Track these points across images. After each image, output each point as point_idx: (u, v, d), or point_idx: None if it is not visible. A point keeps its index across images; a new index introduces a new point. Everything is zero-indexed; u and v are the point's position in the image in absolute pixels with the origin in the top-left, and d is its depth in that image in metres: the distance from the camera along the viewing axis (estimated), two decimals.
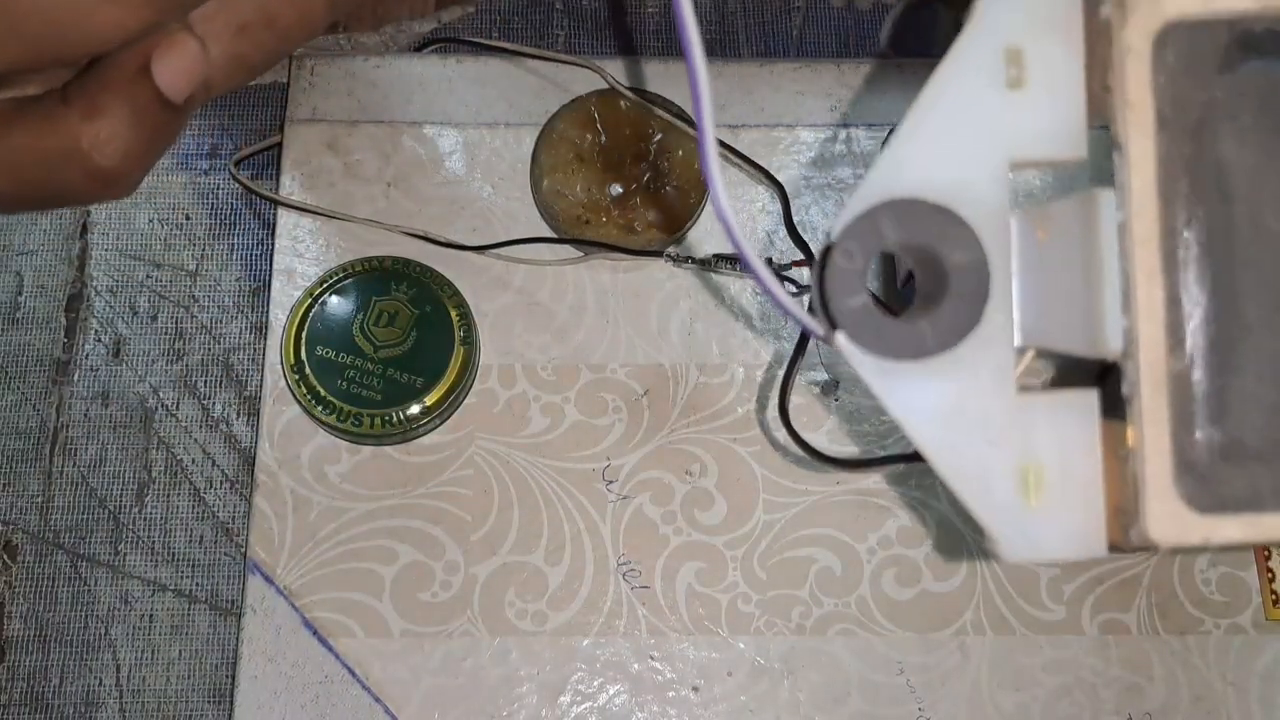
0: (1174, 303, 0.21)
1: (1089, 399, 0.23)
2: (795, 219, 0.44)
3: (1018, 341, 0.23)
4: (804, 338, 0.40)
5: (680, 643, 0.40)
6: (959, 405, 0.22)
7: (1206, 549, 0.22)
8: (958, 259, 0.22)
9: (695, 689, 0.39)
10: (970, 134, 0.22)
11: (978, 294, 0.22)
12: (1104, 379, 0.23)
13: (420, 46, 0.47)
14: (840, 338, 0.22)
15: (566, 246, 0.43)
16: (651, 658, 0.40)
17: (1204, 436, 0.21)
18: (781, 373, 0.42)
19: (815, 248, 0.44)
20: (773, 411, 0.42)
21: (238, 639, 0.39)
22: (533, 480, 0.41)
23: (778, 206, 0.44)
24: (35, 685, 0.40)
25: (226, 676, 0.40)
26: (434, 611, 0.40)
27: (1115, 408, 0.22)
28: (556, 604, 0.40)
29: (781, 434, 0.42)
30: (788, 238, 0.44)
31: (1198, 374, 0.21)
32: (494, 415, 0.42)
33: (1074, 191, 0.23)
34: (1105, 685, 0.40)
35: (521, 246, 0.43)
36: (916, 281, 0.25)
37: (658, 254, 0.42)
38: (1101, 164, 0.22)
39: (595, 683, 0.39)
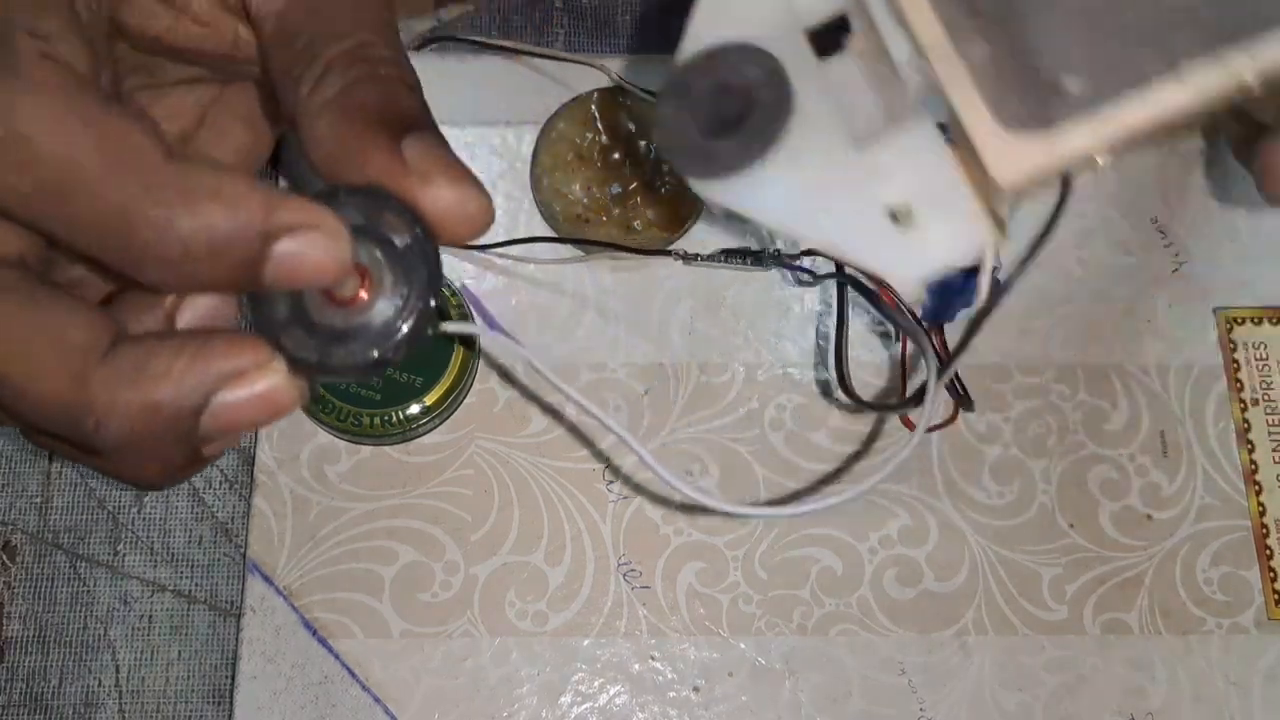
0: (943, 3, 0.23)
1: (922, 124, 0.24)
2: None
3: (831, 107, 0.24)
4: (842, 294, 0.40)
5: (681, 643, 0.40)
6: (810, 185, 0.24)
7: (1067, 166, 0.23)
8: (755, 72, 0.24)
9: (696, 689, 0.39)
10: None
11: (782, 97, 0.24)
12: None
13: (419, 45, 0.47)
14: (695, 183, 0.24)
15: (567, 246, 0.43)
16: (652, 658, 0.40)
17: (1012, 75, 0.23)
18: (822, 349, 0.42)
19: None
20: (786, 397, 0.42)
21: (237, 639, 0.39)
22: (533, 480, 0.41)
23: None
24: (34, 686, 0.40)
25: (226, 677, 0.40)
26: (434, 612, 0.40)
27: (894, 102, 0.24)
28: (557, 604, 0.40)
29: (782, 434, 0.42)
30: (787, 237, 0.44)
31: (984, 40, 0.23)
32: (494, 415, 0.42)
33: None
34: (1107, 685, 0.39)
35: (524, 246, 0.43)
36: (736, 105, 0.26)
37: (666, 253, 0.42)
38: None
39: (596, 683, 0.39)
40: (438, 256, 0.23)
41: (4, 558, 0.41)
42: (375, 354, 0.22)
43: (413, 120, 0.23)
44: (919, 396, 0.35)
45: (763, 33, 0.25)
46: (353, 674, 0.39)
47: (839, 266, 0.40)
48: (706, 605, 0.40)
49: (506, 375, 0.42)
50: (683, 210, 0.43)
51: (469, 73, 0.45)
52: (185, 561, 0.41)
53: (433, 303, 0.23)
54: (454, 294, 0.42)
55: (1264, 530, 0.41)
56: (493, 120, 0.45)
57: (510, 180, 0.44)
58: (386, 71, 0.24)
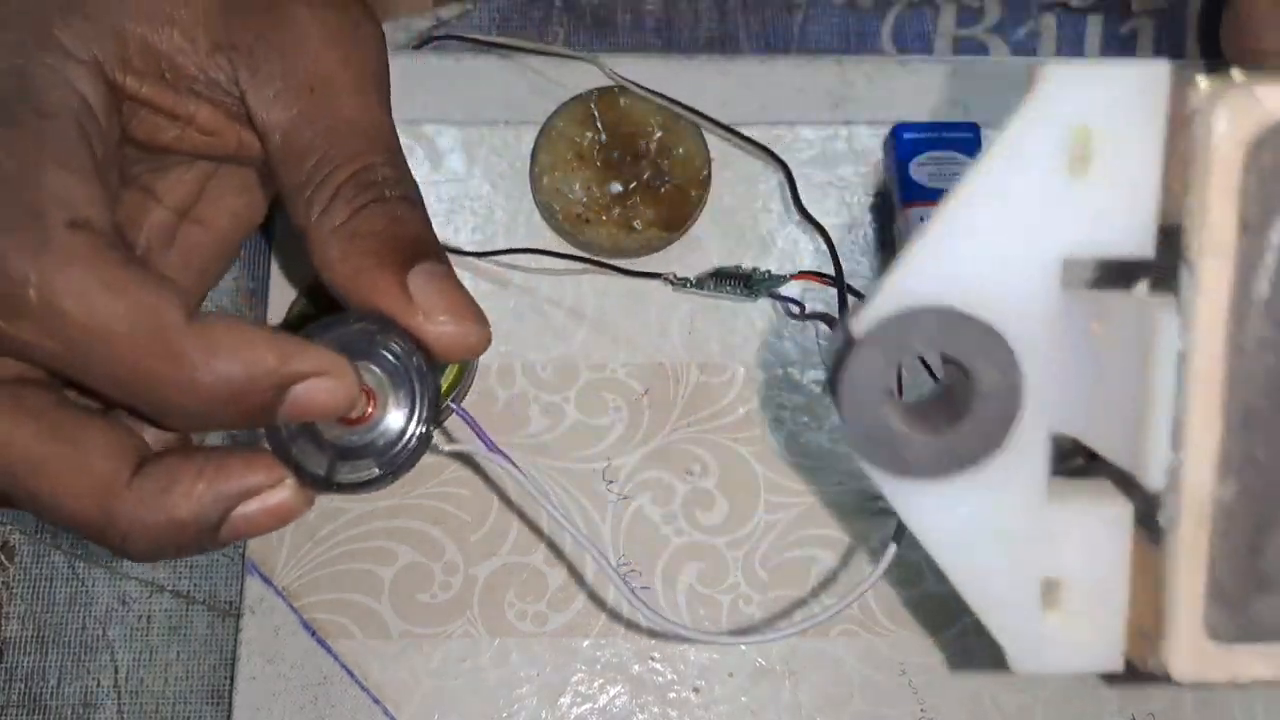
0: (1231, 436, 0.19)
1: (1123, 512, 0.21)
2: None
3: (1054, 428, 0.21)
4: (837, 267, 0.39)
5: (681, 644, 0.40)
6: (981, 522, 0.21)
7: (1233, 685, 0.21)
8: (990, 379, 0.20)
9: (696, 690, 0.39)
10: (1020, 226, 0.20)
11: (1006, 415, 0.20)
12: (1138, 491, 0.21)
13: (419, 44, 0.47)
14: (877, 473, 0.21)
15: (566, 248, 0.43)
16: (652, 659, 0.39)
17: (1242, 570, 0.20)
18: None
19: (828, 227, 0.42)
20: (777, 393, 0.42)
21: (236, 640, 0.39)
22: (533, 480, 0.41)
23: (777, 205, 0.44)
24: (33, 686, 0.40)
25: (225, 677, 0.40)
26: (433, 612, 0.40)
27: (1149, 521, 0.21)
28: (557, 605, 0.40)
29: (782, 434, 0.41)
30: (788, 237, 0.44)
31: (1244, 507, 0.19)
32: (494, 415, 0.41)
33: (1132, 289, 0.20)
34: (1108, 685, 0.39)
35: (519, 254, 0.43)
36: (945, 381, 0.23)
37: (656, 275, 0.42)
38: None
39: (596, 684, 0.39)
40: (438, 383, 0.25)
41: (2, 558, 0.41)
42: (378, 471, 0.25)
43: (418, 248, 0.25)
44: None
45: (997, 312, 0.20)
46: (352, 675, 0.39)
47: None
48: (706, 605, 0.40)
49: (506, 375, 0.42)
50: (683, 210, 0.43)
51: (469, 72, 0.45)
52: (184, 562, 0.41)
53: (433, 427, 0.25)
54: None
55: None
56: (493, 120, 0.45)
57: (510, 180, 0.44)
58: (392, 193, 0.25)
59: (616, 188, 0.43)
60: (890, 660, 0.39)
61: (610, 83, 0.44)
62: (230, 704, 0.39)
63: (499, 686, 0.39)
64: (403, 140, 0.44)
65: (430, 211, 0.43)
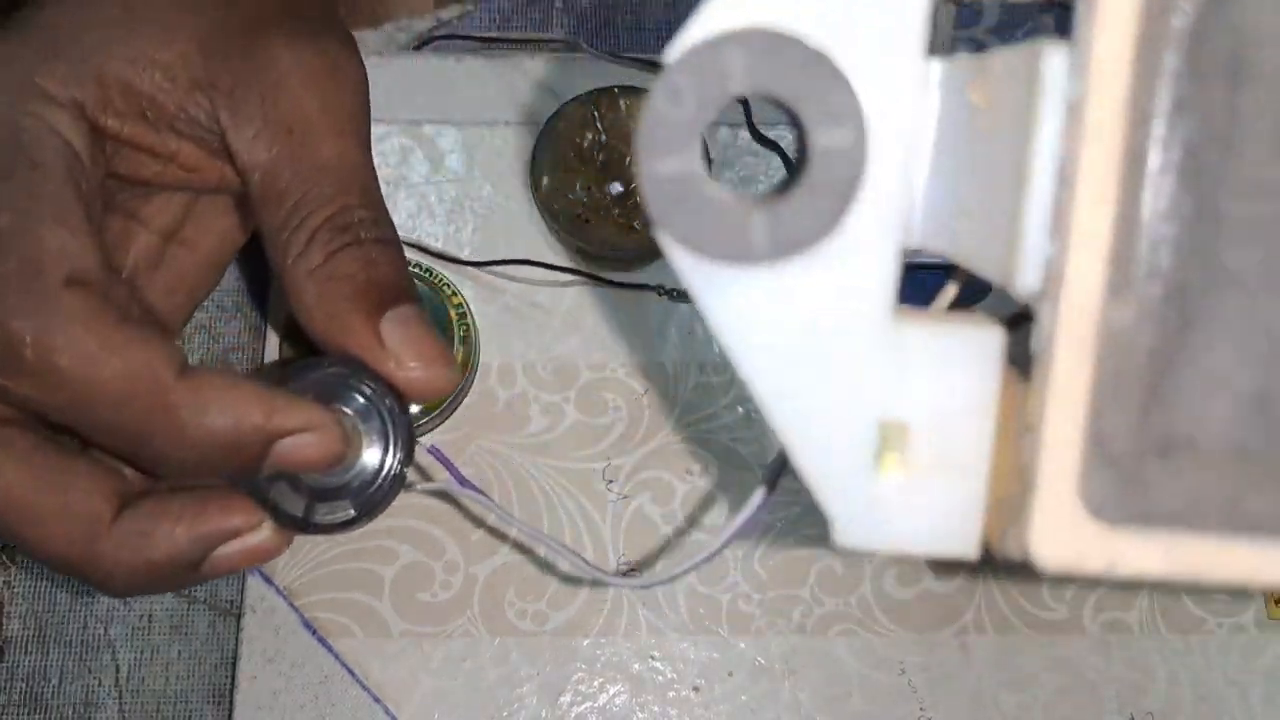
0: (1129, 228, 0.14)
1: (991, 340, 0.16)
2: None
3: (916, 242, 0.16)
4: None
5: (681, 642, 0.40)
6: (806, 330, 0.16)
7: (1109, 580, 0.16)
8: (827, 131, 0.15)
9: (696, 689, 0.39)
10: None
11: (846, 183, 0.15)
12: (1020, 318, 0.17)
13: (419, 44, 0.47)
14: (677, 252, 0.16)
15: (563, 246, 0.43)
16: (652, 658, 0.40)
17: (1135, 422, 0.15)
18: None
19: (786, 147, 0.42)
20: None
21: (237, 639, 0.39)
22: (533, 480, 0.41)
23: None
24: (34, 686, 0.40)
25: (226, 677, 0.40)
26: (434, 611, 0.40)
27: (1023, 358, 0.16)
28: (557, 604, 0.40)
29: None
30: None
31: (1144, 334, 0.15)
32: (494, 415, 0.42)
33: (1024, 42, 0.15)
34: (1107, 685, 0.39)
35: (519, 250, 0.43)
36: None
37: (648, 288, 0.42)
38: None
39: (596, 683, 0.39)
40: (411, 425, 0.26)
41: (4, 557, 0.41)
42: (354, 512, 0.26)
43: (391, 291, 0.25)
44: None
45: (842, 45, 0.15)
46: (352, 674, 0.39)
47: None
48: (706, 605, 0.40)
49: (507, 375, 0.42)
50: None
51: (469, 73, 0.45)
52: None
53: (407, 469, 0.26)
54: (460, 312, 0.41)
55: None
56: (493, 120, 0.45)
57: (510, 180, 0.44)
58: (367, 235, 0.26)
59: (616, 188, 0.43)
60: (890, 659, 0.40)
61: (610, 83, 0.44)
62: (231, 703, 0.39)
63: (499, 685, 0.39)
64: (402, 140, 0.44)
65: (430, 212, 0.44)
